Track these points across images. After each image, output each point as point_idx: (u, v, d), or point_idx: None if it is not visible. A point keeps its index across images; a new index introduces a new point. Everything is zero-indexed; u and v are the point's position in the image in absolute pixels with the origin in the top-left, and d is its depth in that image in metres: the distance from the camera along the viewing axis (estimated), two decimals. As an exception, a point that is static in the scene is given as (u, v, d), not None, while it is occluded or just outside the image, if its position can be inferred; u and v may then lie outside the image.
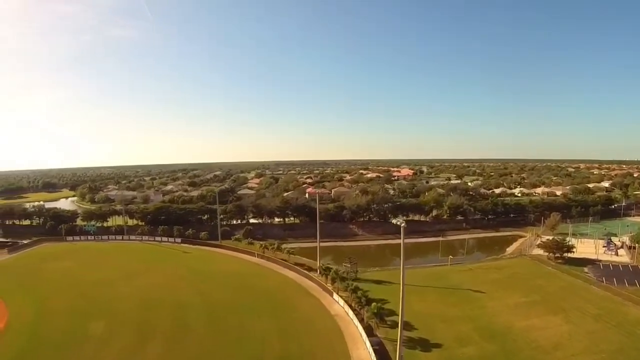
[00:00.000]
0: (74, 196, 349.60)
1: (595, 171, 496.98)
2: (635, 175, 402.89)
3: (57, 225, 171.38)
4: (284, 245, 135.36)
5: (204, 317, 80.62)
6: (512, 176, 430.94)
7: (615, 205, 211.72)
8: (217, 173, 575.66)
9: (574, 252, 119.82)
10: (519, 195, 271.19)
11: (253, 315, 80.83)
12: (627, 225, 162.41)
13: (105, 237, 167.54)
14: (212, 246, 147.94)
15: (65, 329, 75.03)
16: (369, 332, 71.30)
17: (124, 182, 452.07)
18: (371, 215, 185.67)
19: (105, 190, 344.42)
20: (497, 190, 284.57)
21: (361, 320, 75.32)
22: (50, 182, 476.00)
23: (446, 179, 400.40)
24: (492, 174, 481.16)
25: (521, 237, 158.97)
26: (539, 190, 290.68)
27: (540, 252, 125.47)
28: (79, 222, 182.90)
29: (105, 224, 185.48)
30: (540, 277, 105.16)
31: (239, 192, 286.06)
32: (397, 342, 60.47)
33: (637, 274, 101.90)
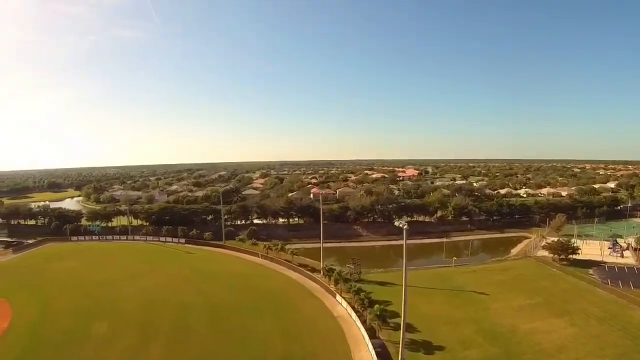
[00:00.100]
0: (79, 196, 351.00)
1: (601, 171, 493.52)
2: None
3: (62, 225, 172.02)
4: (288, 246, 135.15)
5: (206, 318, 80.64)
6: (517, 177, 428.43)
7: (621, 206, 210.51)
8: (222, 173, 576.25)
9: (579, 253, 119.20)
10: (524, 195, 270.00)
11: (256, 316, 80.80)
12: (633, 227, 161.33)
13: (109, 237, 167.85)
14: (216, 247, 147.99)
15: (68, 329, 75.35)
16: (372, 334, 71.04)
17: (129, 182, 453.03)
18: (375, 216, 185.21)
19: (110, 190, 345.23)
20: (503, 191, 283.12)
21: (364, 322, 75.00)
22: (56, 182, 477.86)
23: (451, 180, 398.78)
24: (498, 174, 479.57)
25: (526, 238, 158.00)
26: (544, 190, 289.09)
27: (545, 253, 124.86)
28: (83, 222, 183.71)
29: (109, 224, 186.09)
30: (544, 279, 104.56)
31: (243, 193, 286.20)
32: (399, 344, 60.17)
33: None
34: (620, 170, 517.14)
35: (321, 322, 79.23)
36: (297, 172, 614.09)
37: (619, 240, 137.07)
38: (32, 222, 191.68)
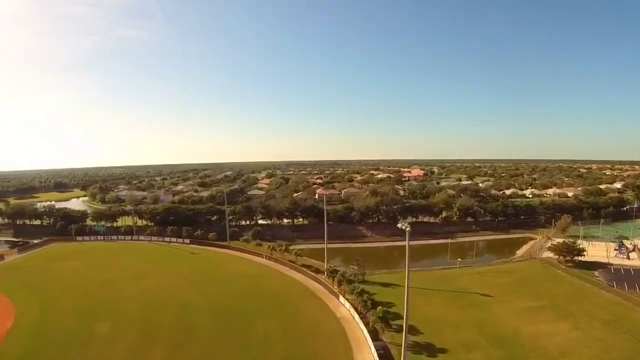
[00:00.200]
0: (84, 196, 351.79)
1: (608, 172, 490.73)
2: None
3: (67, 225, 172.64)
4: (292, 247, 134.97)
5: (209, 319, 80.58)
6: (523, 177, 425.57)
7: (628, 207, 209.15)
8: (228, 173, 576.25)
9: (584, 255, 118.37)
10: (530, 196, 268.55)
11: (258, 317, 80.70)
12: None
13: (114, 237, 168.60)
14: (220, 247, 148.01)
15: (71, 329, 75.57)
16: (375, 336, 70.61)
17: (134, 182, 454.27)
18: (380, 217, 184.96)
19: (115, 190, 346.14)
20: (508, 192, 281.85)
21: (367, 324, 74.56)
22: (62, 182, 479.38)
23: (457, 180, 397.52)
24: (504, 174, 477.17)
25: (531, 239, 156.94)
26: (550, 191, 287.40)
27: (551, 255, 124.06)
28: (88, 222, 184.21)
29: (114, 224, 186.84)
30: (549, 281, 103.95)
31: (249, 193, 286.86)
32: (402, 346, 59.89)
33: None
34: (626, 170, 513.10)
35: (324, 323, 78.93)
36: (303, 172, 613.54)
37: (625, 241, 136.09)
38: (38, 222, 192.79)
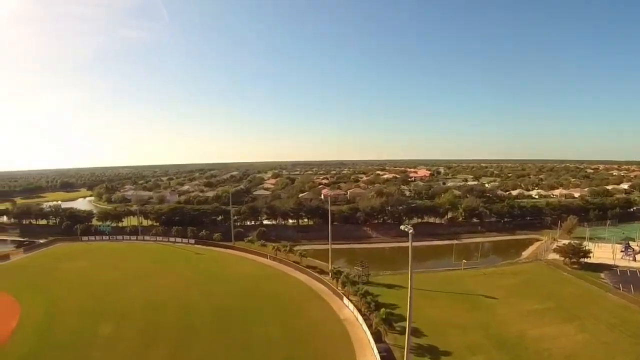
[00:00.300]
0: (91, 196, 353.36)
1: (614, 172, 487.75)
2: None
3: (73, 225, 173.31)
4: (297, 247, 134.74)
5: (212, 320, 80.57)
6: (530, 177, 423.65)
7: (634, 208, 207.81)
8: (234, 173, 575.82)
9: (590, 257, 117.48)
10: (536, 197, 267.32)
11: (261, 319, 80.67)
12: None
13: (119, 237, 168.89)
14: (225, 247, 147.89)
15: (74, 329, 75.82)
16: (378, 338, 70.30)
17: (141, 182, 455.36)
18: (385, 217, 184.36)
19: (121, 190, 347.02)
20: (515, 192, 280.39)
21: (370, 326, 74.26)
22: (68, 182, 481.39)
23: (463, 180, 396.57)
24: (510, 175, 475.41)
25: (537, 240, 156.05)
26: (556, 192, 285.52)
27: (557, 256, 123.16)
28: (94, 222, 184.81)
29: (120, 224, 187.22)
30: (555, 282, 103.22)
31: (254, 193, 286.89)
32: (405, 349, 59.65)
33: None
34: (634, 171, 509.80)
35: (327, 325, 78.71)
36: (309, 172, 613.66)
37: (631, 243, 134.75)
38: (44, 221, 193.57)
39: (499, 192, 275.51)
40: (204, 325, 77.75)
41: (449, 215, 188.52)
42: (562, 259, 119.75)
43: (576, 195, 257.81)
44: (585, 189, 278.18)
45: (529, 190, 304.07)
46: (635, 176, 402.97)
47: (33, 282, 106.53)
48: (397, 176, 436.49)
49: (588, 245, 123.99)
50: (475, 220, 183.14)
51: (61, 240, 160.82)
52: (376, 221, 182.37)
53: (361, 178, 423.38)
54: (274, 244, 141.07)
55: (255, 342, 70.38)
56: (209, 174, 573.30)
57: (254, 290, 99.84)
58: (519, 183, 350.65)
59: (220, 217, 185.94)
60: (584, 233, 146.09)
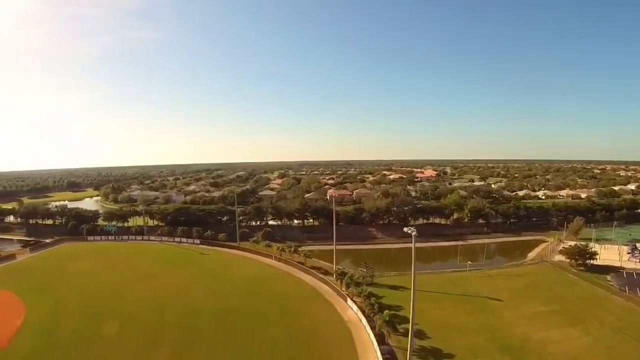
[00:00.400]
0: (97, 196, 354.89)
1: (622, 172, 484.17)
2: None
3: (79, 225, 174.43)
4: (302, 248, 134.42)
5: (215, 321, 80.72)
6: (536, 178, 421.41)
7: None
8: (240, 173, 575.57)
9: (596, 258, 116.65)
10: (543, 197, 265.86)
11: (265, 320, 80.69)
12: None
13: (125, 237, 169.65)
14: (230, 248, 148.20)
15: (78, 329, 76.30)
16: (381, 340, 70.07)
17: (147, 182, 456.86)
18: (391, 218, 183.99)
19: (128, 190, 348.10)
20: (521, 193, 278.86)
21: (373, 328, 73.99)
22: (75, 181, 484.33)
23: (469, 181, 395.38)
24: (517, 175, 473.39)
25: (543, 241, 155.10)
26: (563, 192, 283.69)
27: (562, 258, 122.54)
28: (100, 222, 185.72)
29: (126, 224, 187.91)
30: (560, 285, 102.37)
31: (260, 193, 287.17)
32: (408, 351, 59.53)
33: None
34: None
35: (331, 326, 78.65)
36: (315, 172, 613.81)
37: (638, 245, 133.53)
38: (50, 221, 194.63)
39: (505, 192, 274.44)
40: (208, 326, 77.93)
41: (455, 216, 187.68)
42: (568, 260, 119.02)
43: (583, 195, 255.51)
44: (592, 190, 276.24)
45: (535, 190, 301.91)
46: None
47: (38, 282, 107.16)
48: (404, 176, 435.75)
49: (594, 246, 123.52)
50: (481, 221, 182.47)
51: (67, 240, 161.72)
52: (382, 222, 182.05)
53: (367, 178, 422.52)
54: (278, 245, 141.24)
55: (259, 343, 70.48)
56: (215, 174, 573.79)
57: (258, 290, 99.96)
58: (525, 183, 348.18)
59: (225, 218, 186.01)
60: (590, 234, 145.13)
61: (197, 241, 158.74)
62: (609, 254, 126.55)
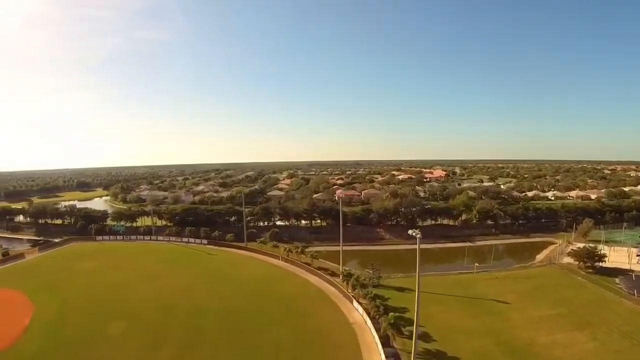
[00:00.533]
0: (107, 196, 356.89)
1: (632, 173, 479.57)
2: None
3: (88, 225, 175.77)
4: (309, 249, 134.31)
5: (220, 322, 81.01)
6: (546, 178, 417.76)
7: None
8: (249, 173, 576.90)
9: (605, 261, 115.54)
10: (552, 198, 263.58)
11: (270, 321, 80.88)
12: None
13: (133, 237, 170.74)
14: (237, 248, 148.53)
15: (85, 328, 77.08)
16: (386, 342, 69.97)
17: (156, 182, 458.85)
18: (399, 219, 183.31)
19: (137, 190, 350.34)
20: (530, 193, 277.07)
21: (378, 330, 73.88)
22: (85, 181, 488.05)
23: (478, 181, 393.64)
24: (526, 175, 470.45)
25: (552, 243, 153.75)
26: (573, 193, 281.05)
27: (571, 260, 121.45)
28: (108, 222, 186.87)
29: (134, 224, 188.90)
30: (568, 287, 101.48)
31: (268, 193, 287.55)
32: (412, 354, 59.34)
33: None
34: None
35: (336, 328, 78.59)
36: (324, 172, 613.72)
37: None
38: (59, 221, 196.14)
39: (515, 193, 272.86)
40: (213, 327, 78.29)
41: (463, 217, 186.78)
42: (577, 263, 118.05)
43: (592, 196, 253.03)
44: (602, 191, 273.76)
45: (544, 191, 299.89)
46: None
47: (46, 281, 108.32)
48: (413, 177, 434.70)
49: (603, 248, 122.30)
50: (489, 222, 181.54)
51: (75, 239, 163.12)
52: (389, 223, 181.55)
53: (376, 178, 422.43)
54: (286, 245, 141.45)
55: (263, 344, 70.68)
56: (224, 174, 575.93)
57: (264, 291, 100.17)
58: (534, 184, 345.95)
59: (233, 218, 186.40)
60: (600, 236, 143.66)
61: (205, 241, 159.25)
62: (619, 256, 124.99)
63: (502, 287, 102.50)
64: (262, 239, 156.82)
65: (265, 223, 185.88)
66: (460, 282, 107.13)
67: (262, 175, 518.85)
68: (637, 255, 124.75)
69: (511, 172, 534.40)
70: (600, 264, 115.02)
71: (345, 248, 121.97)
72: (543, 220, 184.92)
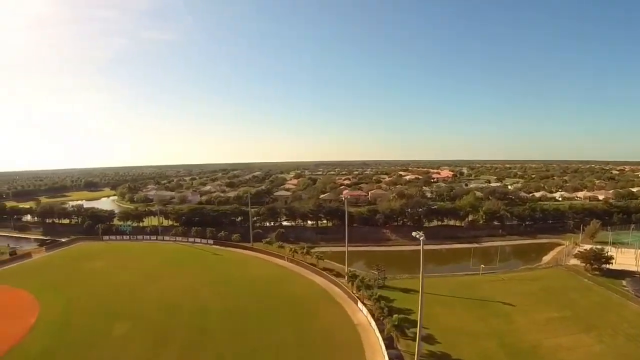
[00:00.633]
0: (114, 195, 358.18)
1: None
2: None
3: (95, 225, 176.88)
4: (315, 249, 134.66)
5: (224, 322, 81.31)
6: (553, 179, 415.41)
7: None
8: (257, 174, 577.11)
9: (612, 263, 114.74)
10: (560, 199, 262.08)
11: (274, 321, 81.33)
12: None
13: (140, 237, 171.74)
14: (243, 248, 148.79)
15: (90, 328, 77.84)
16: (390, 344, 69.95)
17: (163, 182, 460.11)
18: (405, 220, 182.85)
19: (144, 190, 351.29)
20: (538, 194, 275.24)
21: (382, 331, 73.80)
22: (92, 181, 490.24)
23: (486, 182, 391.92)
24: (534, 176, 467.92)
25: (559, 245, 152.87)
26: (580, 194, 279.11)
27: (577, 262, 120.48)
28: (115, 222, 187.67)
29: (141, 224, 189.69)
30: (574, 290, 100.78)
31: (275, 194, 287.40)
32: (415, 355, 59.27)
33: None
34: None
35: (340, 329, 78.58)
36: (332, 172, 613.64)
37: None
38: (66, 221, 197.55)
39: (522, 194, 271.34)
40: (217, 327, 78.70)
41: (470, 218, 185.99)
42: (583, 264, 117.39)
43: (600, 197, 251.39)
44: (610, 191, 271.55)
45: (552, 192, 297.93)
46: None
47: (52, 281, 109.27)
48: (420, 177, 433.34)
49: (610, 250, 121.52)
50: (496, 223, 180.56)
51: (82, 239, 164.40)
52: (396, 223, 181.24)
53: (383, 179, 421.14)
54: (291, 246, 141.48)
55: (267, 344, 70.86)
56: (231, 174, 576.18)
57: (269, 292, 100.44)
58: (542, 185, 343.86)
59: (239, 218, 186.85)
60: (607, 237, 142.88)
61: (211, 241, 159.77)
62: (626, 258, 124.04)
63: (508, 289, 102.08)
64: (268, 240, 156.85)
65: (272, 223, 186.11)
66: (465, 284, 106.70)
67: (269, 175, 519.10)
68: None
69: (518, 173, 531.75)
70: (607, 266, 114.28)
71: (351, 249, 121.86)
72: (550, 222, 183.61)
